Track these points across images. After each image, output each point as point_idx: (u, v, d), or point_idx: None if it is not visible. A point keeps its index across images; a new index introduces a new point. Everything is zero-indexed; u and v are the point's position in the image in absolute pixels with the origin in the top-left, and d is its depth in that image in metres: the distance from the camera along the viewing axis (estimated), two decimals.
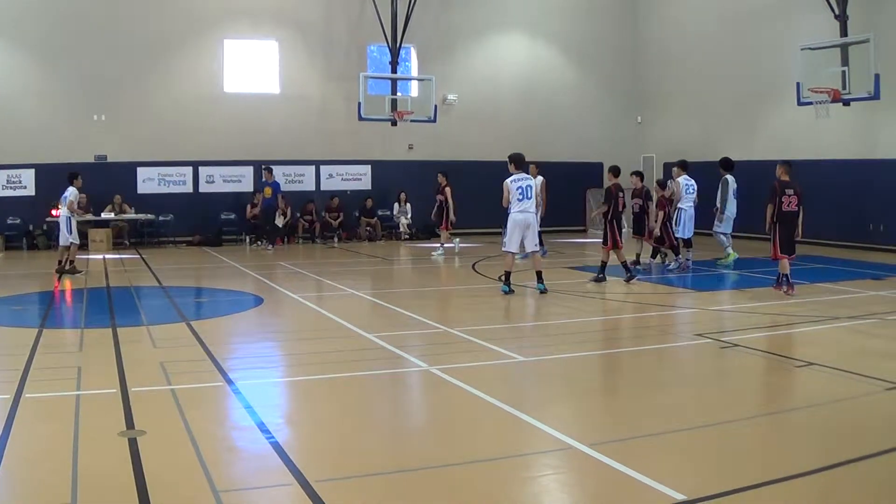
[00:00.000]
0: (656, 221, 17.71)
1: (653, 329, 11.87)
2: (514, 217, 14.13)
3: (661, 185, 18.27)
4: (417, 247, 24.70)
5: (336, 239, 26.43)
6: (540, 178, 19.41)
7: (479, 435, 6.82)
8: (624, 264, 15.80)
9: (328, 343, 10.66)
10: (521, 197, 14.08)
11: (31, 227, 24.33)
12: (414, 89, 28.20)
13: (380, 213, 27.50)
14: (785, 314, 12.43)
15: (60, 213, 18.01)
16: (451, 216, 21.63)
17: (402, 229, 27.51)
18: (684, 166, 18.29)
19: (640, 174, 18.43)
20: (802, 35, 22.32)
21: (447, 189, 21.53)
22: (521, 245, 14.70)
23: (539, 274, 14.42)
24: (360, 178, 28.13)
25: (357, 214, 27.27)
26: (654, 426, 6.94)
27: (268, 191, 24.46)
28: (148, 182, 25.73)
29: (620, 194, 15.96)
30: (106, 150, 25.09)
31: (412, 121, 26.23)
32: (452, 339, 10.67)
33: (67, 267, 17.78)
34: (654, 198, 18.05)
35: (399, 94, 26.94)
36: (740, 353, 9.87)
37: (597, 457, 6.03)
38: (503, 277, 14.61)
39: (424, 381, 8.73)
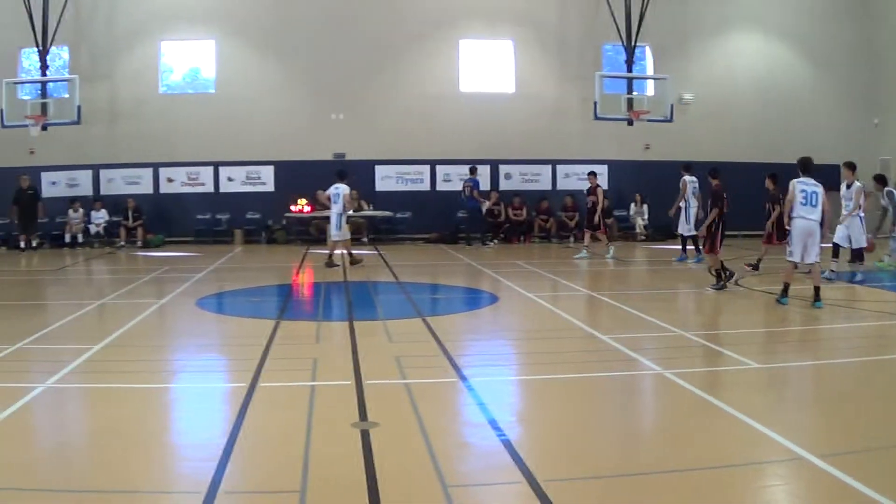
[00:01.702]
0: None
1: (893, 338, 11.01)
2: (796, 223, 13.12)
3: (773, 179, 17.44)
4: (654, 248, 24.14)
5: (572, 239, 26.18)
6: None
7: (709, 441, 6.50)
8: (717, 271, 14.91)
9: (561, 343, 10.50)
10: (803, 202, 13.09)
11: (269, 222, 25.51)
12: (650, 88, 27.63)
13: (616, 213, 26.94)
14: None
15: (334, 209, 18.63)
16: (596, 219, 21.21)
17: (637, 230, 27.04)
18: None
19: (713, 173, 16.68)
20: None
21: (598, 190, 21.11)
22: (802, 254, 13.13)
23: (817, 290, 13.01)
24: None
25: None
26: (889, 439, 6.37)
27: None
28: (386, 180, 26.56)
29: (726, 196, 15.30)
30: (344, 148, 26.05)
31: (648, 120, 25.71)
32: (687, 343, 10.30)
33: (349, 259, 18.64)
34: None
35: (635, 93, 26.48)
36: None
37: (828, 469, 5.61)
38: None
39: (657, 384, 8.42)
